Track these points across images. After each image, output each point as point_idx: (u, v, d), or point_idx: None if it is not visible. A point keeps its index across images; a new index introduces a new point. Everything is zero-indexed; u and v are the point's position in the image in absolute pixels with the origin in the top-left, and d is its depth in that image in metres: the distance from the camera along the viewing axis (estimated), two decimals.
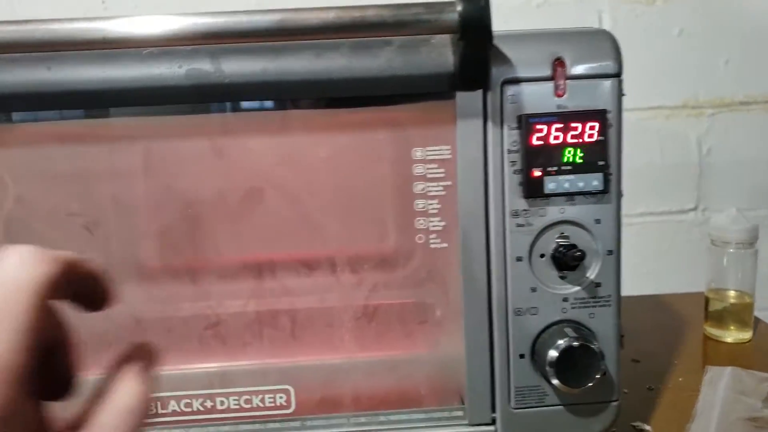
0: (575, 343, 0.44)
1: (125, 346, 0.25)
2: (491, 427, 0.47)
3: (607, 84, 0.43)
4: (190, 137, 0.44)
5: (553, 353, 0.44)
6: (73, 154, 0.44)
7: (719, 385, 0.60)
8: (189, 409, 0.46)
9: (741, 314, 0.71)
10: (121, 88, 0.42)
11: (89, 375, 0.45)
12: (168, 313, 0.46)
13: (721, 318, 0.71)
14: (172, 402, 0.46)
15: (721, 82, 0.92)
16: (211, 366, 0.46)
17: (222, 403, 0.46)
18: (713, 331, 0.72)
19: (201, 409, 0.46)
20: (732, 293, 0.71)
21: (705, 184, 0.93)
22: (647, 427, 0.55)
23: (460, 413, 0.47)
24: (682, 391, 0.61)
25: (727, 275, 0.70)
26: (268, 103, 0.44)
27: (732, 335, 0.71)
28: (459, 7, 0.38)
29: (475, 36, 0.39)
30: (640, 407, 0.58)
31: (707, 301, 0.72)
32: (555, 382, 0.44)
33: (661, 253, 0.98)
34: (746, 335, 0.71)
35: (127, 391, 0.23)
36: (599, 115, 0.43)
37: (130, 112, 0.44)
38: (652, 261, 0.91)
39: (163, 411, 0.46)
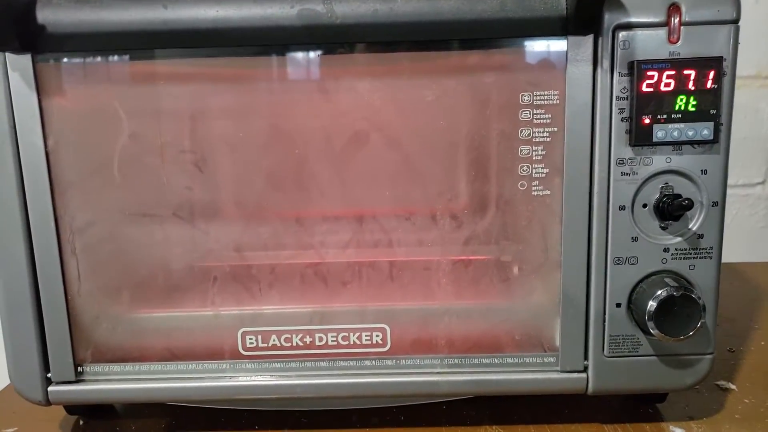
0: (676, 293, 0.44)
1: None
2: (582, 374, 0.47)
3: (725, 30, 0.42)
4: (298, 78, 0.45)
5: (652, 302, 0.44)
6: (184, 92, 0.45)
7: None
8: (288, 344, 0.48)
9: None
10: (234, 27, 0.43)
11: (195, 310, 0.48)
12: (272, 252, 0.47)
13: None
14: (273, 336, 0.47)
15: None
16: (311, 305, 0.47)
17: (320, 339, 0.47)
18: None
19: (300, 344, 0.48)
20: None
21: None
22: (732, 386, 0.55)
23: (552, 359, 0.47)
24: (764, 354, 0.60)
25: None
26: (377, 45, 0.44)
27: None
28: None
29: None
30: (723, 368, 0.58)
31: None
32: (654, 331, 0.44)
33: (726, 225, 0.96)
34: None
35: None
36: (715, 62, 0.42)
37: (240, 52, 0.45)
38: None
39: (263, 345, 0.47)
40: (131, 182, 0.46)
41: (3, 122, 0.44)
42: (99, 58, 0.45)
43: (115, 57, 0.45)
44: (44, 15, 0.43)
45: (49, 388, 0.48)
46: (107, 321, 0.48)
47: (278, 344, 0.48)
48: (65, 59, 0.44)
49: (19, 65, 0.44)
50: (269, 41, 0.44)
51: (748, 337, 0.64)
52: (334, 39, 0.43)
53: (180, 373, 0.48)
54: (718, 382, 0.55)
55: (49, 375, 0.48)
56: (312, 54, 0.45)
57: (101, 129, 0.45)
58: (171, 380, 0.48)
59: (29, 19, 0.43)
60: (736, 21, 0.43)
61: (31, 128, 0.44)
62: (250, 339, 0.47)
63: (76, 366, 0.48)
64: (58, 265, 0.46)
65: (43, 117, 0.45)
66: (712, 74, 0.43)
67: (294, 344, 0.48)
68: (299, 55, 0.45)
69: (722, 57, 0.43)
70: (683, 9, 0.42)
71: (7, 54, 0.44)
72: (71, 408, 0.52)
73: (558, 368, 0.47)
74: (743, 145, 0.91)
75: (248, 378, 0.48)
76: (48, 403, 0.48)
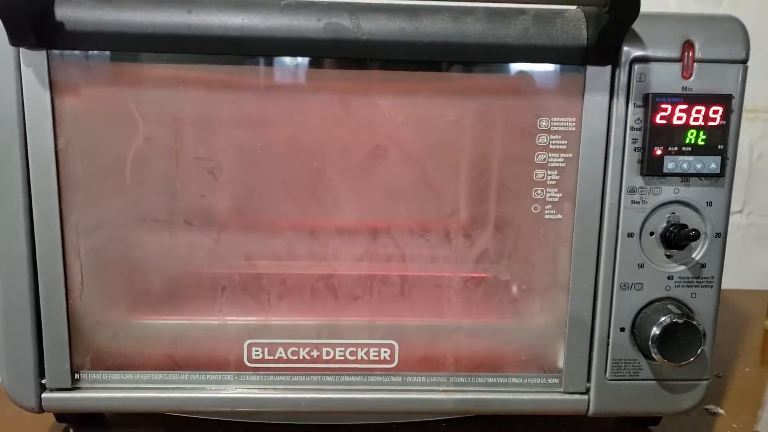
0: (680, 320, 0.45)
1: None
2: (584, 396, 0.48)
3: (735, 69, 0.44)
4: (320, 90, 0.45)
5: (656, 329, 0.45)
6: (203, 98, 0.45)
7: None
8: (295, 357, 0.47)
9: None
10: (260, 36, 0.43)
11: (202, 319, 0.47)
12: (283, 263, 0.47)
13: None
14: (280, 349, 0.47)
15: None
16: (320, 318, 0.47)
17: (328, 353, 0.47)
18: None
19: (307, 357, 0.47)
20: None
21: (752, 189, 0.94)
22: (720, 410, 0.56)
23: (555, 380, 0.48)
24: (749, 380, 0.62)
25: None
26: (401, 62, 0.44)
27: None
28: None
29: (622, 11, 0.40)
30: (711, 392, 0.59)
31: None
32: (656, 356, 0.45)
33: None
34: None
35: None
36: (724, 99, 0.44)
37: (263, 61, 0.44)
38: None
39: (269, 357, 0.47)
40: (143, 187, 0.45)
41: (12, 118, 0.43)
42: (116, 59, 0.44)
43: (134, 59, 0.44)
44: (63, 12, 0.42)
45: (43, 395, 0.46)
46: (109, 327, 0.46)
47: (285, 357, 0.47)
48: (81, 58, 0.44)
49: (33, 61, 0.43)
50: (294, 53, 0.44)
51: (733, 362, 0.66)
52: (358, 54, 0.44)
53: (182, 383, 0.47)
54: (708, 407, 0.57)
55: (43, 381, 0.46)
56: (335, 67, 0.45)
57: (115, 131, 0.45)
58: (172, 390, 0.47)
59: (47, 15, 0.42)
60: (745, 61, 0.44)
61: (41, 126, 0.43)
62: (257, 351, 0.47)
63: (73, 373, 0.46)
64: (60, 267, 0.45)
65: (55, 115, 0.43)
66: (721, 111, 0.44)
67: (301, 357, 0.47)
68: (322, 67, 0.45)
69: (731, 95, 0.44)
70: (697, 46, 0.44)
71: (21, 49, 0.42)
72: (61, 415, 0.50)
73: (561, 389, 0.48)
74: None
75: (252, 390, 0.47)
76: (41, 410, 0.46)
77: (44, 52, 0.43)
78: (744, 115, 0.94)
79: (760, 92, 0.91)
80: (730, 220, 0.94)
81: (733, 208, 0.94)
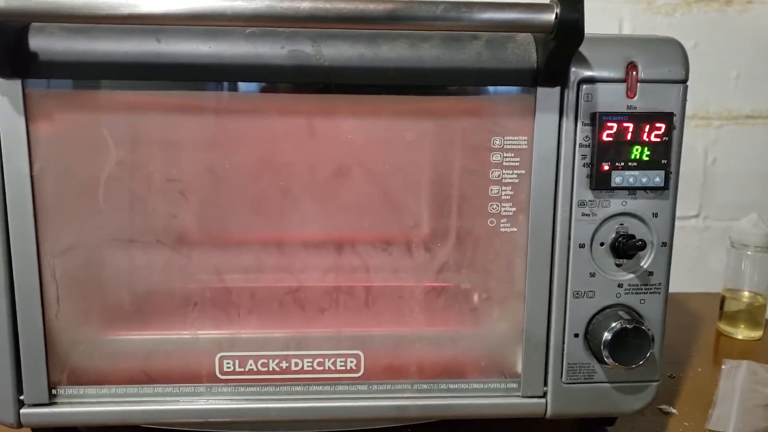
0: (629, 325, 0.48)
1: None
2: (542, 400, 0.50)
3: (675, 89, 0.47)
4: (285, 113, 0.47)
5: (607, 334, 0.48)
6: (173, 122, 0.47)
7: (737, 376, 0.65)
8: (265, 369, 0.49)
9: (754, 314, 0.75)
10: (226, 63, 0.45)
11: (174, 333, 0.49)
12: (252, 277, 0.49)
13: (735, 316, 0.76)
14: (250, 361, 0.49)
15: (730, 95, 0.97)
16: (288, 330, 0.49)
17: (296, 364, 0.49)
18: (727, 328, 0.77)
19: (276, 369, 0.49)
20: (747, 294, 0.76)
21: (707, 193, 0.97)
22: (673, 410, 0.59)
23: (514, 385, 0.51)
24: (701, 381, 0.65)
25: (743, 277, 0.75)
26: (362, 87, 0.47)
27: (743, 333, 0.76)
28: (557, 9, 0.41)
29: (568, 37, 0.42)
30: (664, 393, 0.62)
31: (723, 299, 0.77)
32: (608, 360, 0.48)
33: None
34: (757, 333, 0.76)
35: None
36: (666, 117, 0.47)
37: (229, 87, 0.47)
38: None
39: (240, 369, 0.49)
40: (115, 208, 0.47)
41: None
42: (89, 87, 0.46)
43: (106, 86, 0.46)
44: (36, 42, 0.44)
45: (22, 411, 0.48)
46: (84, 343, 0.48)
47: (255, 369, 0.49)
48: (55, 86, 0.45)
49: (8, 90, 0.44)
50: (259, 78, 0.46)
51: (686, 363, 0.69)
52: (321, 79, 0.46)
53: (156, 396, 0.49)
54: (661, 406, 0.60)
55: (21, 397, 0.48)
56: (300, 92, 0.47)
57: (88, 156, 0.46)
58: (146, 403, 0.49)
59: (21, 46, 0.44)
60: (684, 81, 0.47)
61: (17, 152, 0.45)
62: (228, 363, 0.49)
63: (50, 388, 0.48)
64: (37, 288, 0.46)
65: (30, 142, 0.45)
66: (664, 128, 0.47)
67: (270, 369, 0.49)
68: (287, 92, 0.47)
69: (673, 113, 0.47)
70: (640, 67, 0.47)
71: None
72: (39, 430, 0.52)
73: (519, 394, 0.51)
74: (680, 181, 0.99)
75: (224, 401, 0.49)
76: (20, 425, 0.48)
77: (19, 81, 0.44)
78: (696, 121, 0.98)
79: (711, 99, 0.94)
80: (687, 224, 0.98)
81: (689, 212, 0.97)
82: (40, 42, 0.44)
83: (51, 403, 0.48)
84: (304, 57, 0.45)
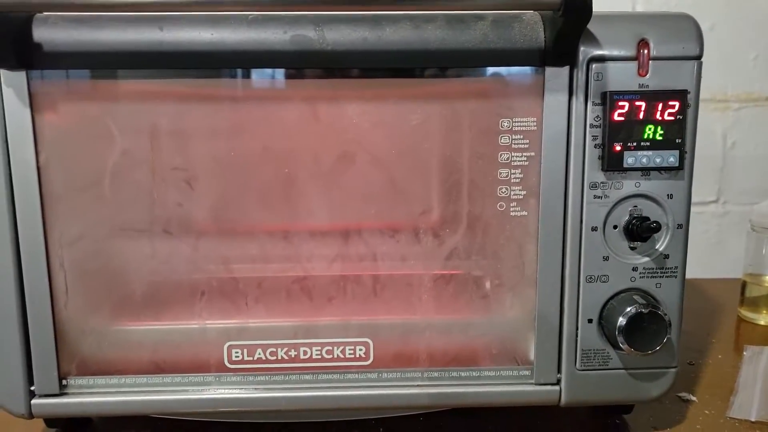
0: (645, 310, 0.46)
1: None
2: (556, 387, 0.49)
3: (689, 65, 0.46)
4: (289, 99, 0.47)
5: (622, 319, 0.47)
6: (177, 111, 0.46)
7: (759, 363, 0.63)
8: (273, 358, 0.49)
9: None
10: (229, 50, 0.45)
11: (182, 323, 0.48)
12: (259, 267, 0.48)
13: (756, 302, 0.74)
14: (259, 350, 0.49)
15: (749, 77, 0.94)
16: (296, 319, 0.49)
17: (305, 352, 0.49)
18: (748, 313, 0.75)
19: (285, 357, 0.49)
20: None
21: (726, 178, 0.95)
22: (693, 398, 0.58)
23: (527, 372, 0.50)
24: (721, 367, 0.64)
25: (765, 261, 0.73)
26: (366, 70, 0.46)
27: (765, 318, 0.74)
28: None
29: (576, 14, 0.41)
30: (683, 380, 0.61)
31: (744, 285, 0.75)
32: (623, 346, 0.47)
33: None
34: None
35: None
36: (680, 95, 0.46)
37: (233, 74, 0.46)
38: None
39: (249, 358, 0.49)
40: (122, 198, 0.47)
41: None
42: (93, 77, 0.46)
43: (110, 75, 0.46)
44: (40, 33, 0.44)
45: (33, 401, 0.48)
46: (93, 334, 0.48)
47: (264, 358, 0.49)
48: (60, 76, 0.45)
49: (13, 81, 0.44)
50: (262, 64, 0.46)
51: (706, 350, 0.68)
52: (324, 64, 0.45)
53: (165, 386, 0.49)
54: (680, 394, 0.58)
55: (32, 388, 0.48)
56: (303, 77, 0.46)
57: (94, 145, 0.46)
58: (156, 393, 0.49)
59: (25, 37, 0.44)
60: (699, 57, 0.46)
61: (23, 143, 0.45)
62: (236, 352, 0.49)
63: (60, 379, 0.48)
64: (45, 279, 0.47)
65: (36, 133, 0.45)
66: (677, 106, 0.46)
67: (279, 358, 0.49)
68: (291, 78, 0.46)
69: (687, 90, 0.46)
70: (651, 44, 0.46)
71: (1, 70, 0.44)
72: (50, 420, 0.52)
73: (532, 381, 0.50)
74: (697, 166, 0.96)
75: (233, 391, 0.49)
76: (31, 416, 0.48)
77: (24, 73, 0.44)
78: (714, 105, 0.96)
79: (729, 81, 0.92)
80: (706, 209, 0.96)
81: (709, 197, 0.95)
82: (44, 33, 0.44)
83: (61, 394, 0.48)
84: (307, 42, 0.44)
